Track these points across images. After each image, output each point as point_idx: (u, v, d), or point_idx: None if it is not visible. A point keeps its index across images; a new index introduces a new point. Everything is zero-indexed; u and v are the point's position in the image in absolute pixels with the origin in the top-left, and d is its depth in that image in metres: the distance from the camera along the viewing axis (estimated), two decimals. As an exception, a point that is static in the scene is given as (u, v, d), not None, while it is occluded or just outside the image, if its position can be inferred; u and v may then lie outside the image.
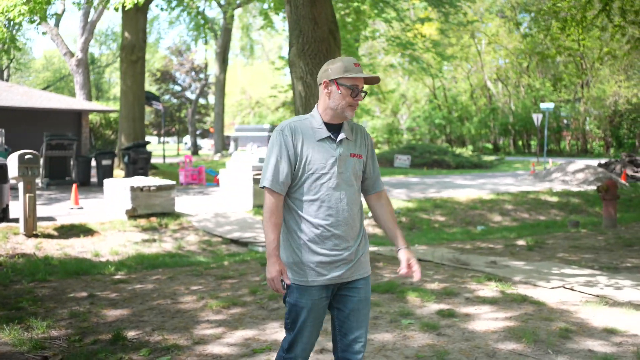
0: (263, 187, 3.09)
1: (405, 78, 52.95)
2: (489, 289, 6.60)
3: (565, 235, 11.12)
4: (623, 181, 20.39)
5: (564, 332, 5.15)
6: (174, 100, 51.56)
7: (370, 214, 12.15)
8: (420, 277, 3.19)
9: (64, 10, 34.09)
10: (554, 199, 16.99)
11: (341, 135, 3.13)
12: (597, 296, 6.32)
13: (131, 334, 5.23)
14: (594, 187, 18.55)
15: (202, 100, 54.22)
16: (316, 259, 3.07)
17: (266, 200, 3.09)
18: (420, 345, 4.87)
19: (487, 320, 5.49)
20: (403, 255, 3.19)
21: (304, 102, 7.49)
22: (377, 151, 38.86)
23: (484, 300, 6.15)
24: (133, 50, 22.59)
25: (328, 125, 3.14)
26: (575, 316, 5.64)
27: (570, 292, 6.55)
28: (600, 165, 23.87)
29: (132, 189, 12.17)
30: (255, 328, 5.39)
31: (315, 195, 3.07)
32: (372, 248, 9.36)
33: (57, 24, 33.10)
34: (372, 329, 5.28)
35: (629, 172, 22.65)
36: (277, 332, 5.24)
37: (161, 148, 45.40)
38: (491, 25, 48.93)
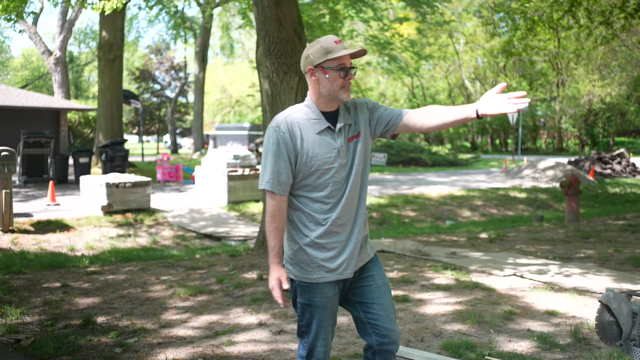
0: (262, 190, 2.89)
1: (384, 77, 53.41)
2: (445, 277, 6.97)
3: (528, 229, 11.53)
4: (591, 178, 20.92)
5: (507, 314, 5.52)
6: (154, 99, 51.60)
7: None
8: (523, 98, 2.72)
9: (42, 9, 34.07)
10: (523, 195, 17.45)
11: (339, 124, 2.92)
12: (545, 283, 6.71)
13: (101, 319, 5.52)
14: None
15: (181, 99, 54.28)
16: (325, 255, 2.92)
17: (267, 204, 2.90)
18: (372, 327, 5.21)
19: (438, 305, 5.84)
20: (487, 99, 2.76)
21: (270, 100, 7.81)
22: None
23: (438, 287, 6.51)
24: (111, 49, 22.75)
25: (325, 114, 2.93)
26: (521, 300, 6.02)
27: (521, 279, 6.94)
28: (570, 162, 24.41)
29: (108, 185, 12.41)
30: (219, 313, 5.70)
31: (320, 191, 2.90)
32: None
33: (35, 23, 33.06)
34: (330, 313, 5.62)
35: (597, 169, 23.20)
36: (240, 317, 5.56)
37: (140, 147, 45.48)
38: (469, 25, 49.53)
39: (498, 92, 2.75)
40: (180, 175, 20.87)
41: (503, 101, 2.71)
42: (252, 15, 24.65)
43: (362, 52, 2.86)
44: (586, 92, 45.25)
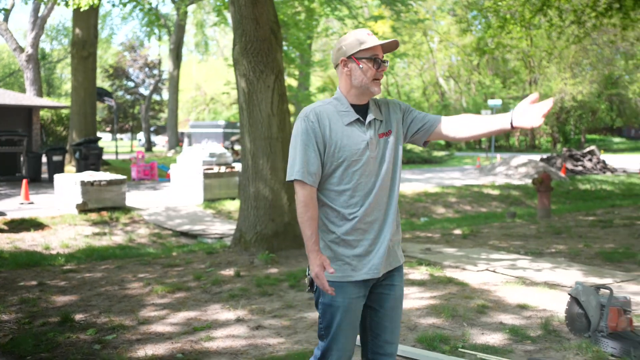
0: (292, 181, 2.81)
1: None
2: (419, 273, 7.09)
3: (501, 225, 11.72)
4: (563, 175, 21.25)
5: (480, 308, 5.65)
6: (128, 97, 51.18)
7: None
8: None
9: (13, 5, 33.64)
10: (496, 192, 17.69)
11: (370, 117, 2.88)
12: (517, 277, 6.86)
13: (79, 316, 5.54)
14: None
15: (156, 97, 53.91)
16: (351, 252, 2.84)
17: (298, 195, 2.80)
18: (349, 321, 5.30)
19: (413, 299, 5.96)
20: (521, 108, 2.75)
21: (247, 98, 7.87)
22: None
23: (412, 282, 6.62)
24: (84, 46, 22.57)
25: (355, 107, 2.89)
26: (493, 294, 6.16)
27: (494, 274, 7.08)
28: (542, 160, 24.77)
29: (83, 183, 12.35)
30: (197, 310, 5.75)
31: (347, 184, 2.83)
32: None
33: (6, 19, 32.64)
34: (307, 309, 5.70)
35: (569, 166, 23.58)
36: (218, 313, 5.62)
37: (114, 145, 45.12)
38: (443, 23, 49.92)
39: (531, 103, 2.76)
40: (156, 173, 20.78)
41: (535, 113, 2.70)
42: (227, 13, 24.69)
43: (394, 44, 2.85)
44: (558, 90, 45.85)
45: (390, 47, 2.87)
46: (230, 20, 23.73)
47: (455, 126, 2.94)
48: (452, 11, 48.30)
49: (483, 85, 50.56)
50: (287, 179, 2.83)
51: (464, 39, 43.58)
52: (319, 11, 25.46)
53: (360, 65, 2.83)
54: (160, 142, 62.94)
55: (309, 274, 2.83)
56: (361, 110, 2.90)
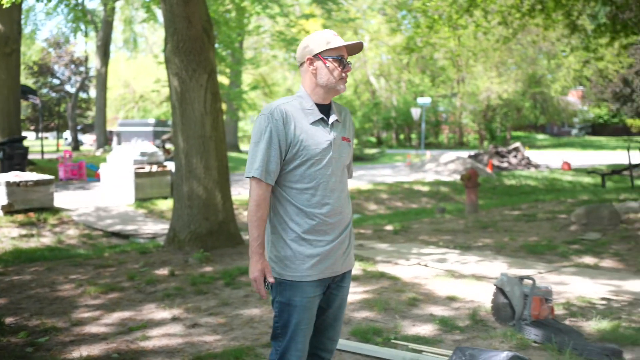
0: (250, 177, 2.81)
1: (291, 73, 53.72)
2: (353, 268, 7.23)
3: (431, 221, 12.03)
4: (489, 171, 21.93)
5: (412, 300, 5.84)
6: (53, 94, 49.79)
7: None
8: None
9: None
10: (426, 188, 18.11)
11: (332, 117, 2.91)
12: (447, 270, 7.10)
13: (9, 319, 5.43)
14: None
15: (82, 94, 52.62)
16: (311, 252, 2.83)
17: (252, 192, 2.80)
18: (284, 317, 5.39)
19: (347, 294, 6.09)
20: None
21: (179, 97, 7.84)
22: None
23: (346, 278, 6.76)
24: (7, 42, 21.84)
25: (318, 107, 2.90)
26: (424, 288, 6.36)
27: (424, 268, 7.30)
28: (470, 156, 25.47)
29: (8, 184, 12.00)
30: (132, 310, 5.73)
31: (309, 182, 2.83)
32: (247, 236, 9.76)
33: None
34: (243, 306, 5.76)
35: (495, 162, 24.34)
36: (153, 312, 5.61)
37: (39, 144, 43.77)
38: (374, 22, 50.54)
39: None
40: (84, 173, 20.32)
41: None
42: (156, 10, 24.33)
43: (359, 45, 2.90)
44: (485, 88, 47.15)
45: (355, 49, 2.91)
46: (160, 18, 23.49)
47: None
48: (382, 10, 49.08)
49: (413, 83, 51.49)
50: (245, 175, 2.82)
51: (394, 38, 44.31)
52: (250, 9, 25.41)
53: (327, 64, 2.86)
54: (88, 140, 61.37)
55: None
56: (324, 109, 2.92)
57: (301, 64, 2.94)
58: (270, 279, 2.78)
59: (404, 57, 50.24)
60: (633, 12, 18.64)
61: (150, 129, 47.68)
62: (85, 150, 44.28)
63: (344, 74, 2.88)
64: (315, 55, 2.87)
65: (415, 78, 51.10)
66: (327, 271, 2.88)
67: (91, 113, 53.65)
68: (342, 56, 2.89)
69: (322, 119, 2.89)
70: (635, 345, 4.61)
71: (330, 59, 2.86)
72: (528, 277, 5.12)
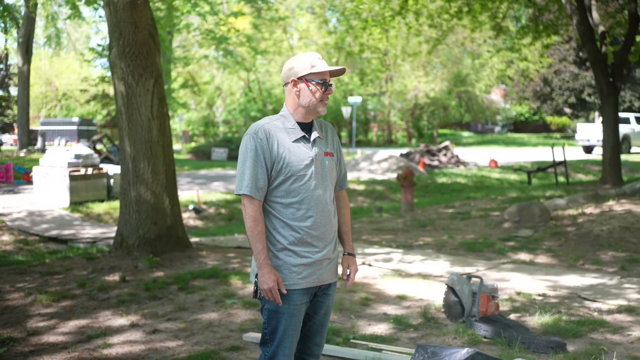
0: (240, 195, 3.00)
1: (220, 71, 53.32)
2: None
3: (370, 220, 12.32)
4: (421, 169, 22.48)
5: (364, 300, 6.05)
6: (-29, 93, 47.74)
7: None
8: (352, 283, 3.29)
9: None
10: (361, 187, 18.44)
11: (314, 135, 3.08)
12: (393, 270, 7.36)
13: (-39, 331, 5.34)
14: (395, 175, 20.31)
15: (1, 92, 50.69)
16: (297, 262, 3.01)
17: (247, 209, 2.98)
18: (243, 320, 5.52)
19: (300, 296, 6.25)
20: (345, 261, 3.28)
21: (125, 101, 7.81)
22: (193, 145, 39.13)
23: (298, 279, 6.92)
24: None
25: (300, 125, 3.08)
26: (374, 287, 6.60)
27: (371, 267, 7.54)
28: (402, 155, 26.02)
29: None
30: (88, 317, 5.72)
31: (294, 197, 3.01)
32: (194, 239, 9.81)
33: None
34: (199, 310, 5.84)
35: (427, 161, 24.96)
36: (110, 319, 5.63)
37: (-42, 144, 41.96)
38: (302, 20, 50.78)
39: (345, 270, 3.28)
40: (11, 176, 19.66)
41: (349, 278, 3.29)
42: (81, 7, 23.72)
43: (342, 70, 3.10)
44: (412, 87, 48.10)
45: (337, 73, 3.11)
46: (85, 13, 22.96)
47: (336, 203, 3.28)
48: (311, 9, 49.39)
49: (342, 82, 52.00)
50: (236, 192, 3.01)
51: (324, 36, 44.72)
52: (181, 8, 25.20)
53: (310, 87, 3.04)
54: (8, 140, 59.19)
55: (256, 281, 3.01)
56: (306, 127, 3.11)
57: (285, 84, 3.12)
58: (283, 290, 2.97)
59: (334, 55, 50.88)
60: (553, 14, 19.56)
61: (75, 127, 46.47)
62: (6, 151, 42.71)
63: (324, 97, 3.06)
64: (300, 78, 3.05)
65: (344, 77, 51.59)
66: (314, 281, 3.07)
67: (11, 112, 51.71)
68: (325, 80, 3.07)
69: (303, 136, 3.07)
70: (577, 337, 4.97)
71: (314, 82, 3.04)
72: (475, 276, 5.42)
